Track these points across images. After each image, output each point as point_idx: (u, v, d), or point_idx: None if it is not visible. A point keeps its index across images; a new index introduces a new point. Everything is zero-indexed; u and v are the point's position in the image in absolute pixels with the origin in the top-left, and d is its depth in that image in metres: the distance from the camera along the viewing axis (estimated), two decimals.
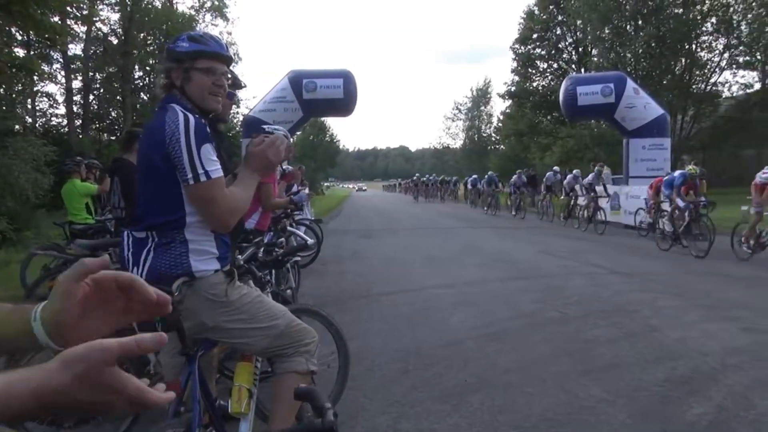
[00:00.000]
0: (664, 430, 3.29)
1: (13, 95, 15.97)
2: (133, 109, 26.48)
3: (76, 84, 26.21)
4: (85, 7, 17.09)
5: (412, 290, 7.51)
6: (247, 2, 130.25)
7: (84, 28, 23.19)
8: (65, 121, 25.80)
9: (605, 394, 3.80)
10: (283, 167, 7.42)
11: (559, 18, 40.97)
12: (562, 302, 6.58)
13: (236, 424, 2.42)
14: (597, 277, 8.22)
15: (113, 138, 26.78)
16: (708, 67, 33.34)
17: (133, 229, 2.21)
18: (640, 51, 32.35)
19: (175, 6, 29.55)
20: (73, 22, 18.59)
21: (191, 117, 2.12)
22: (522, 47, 42.77)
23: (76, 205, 7.61)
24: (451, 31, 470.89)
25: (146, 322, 2.04)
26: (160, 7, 28.27)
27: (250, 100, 27.94)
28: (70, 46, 23.58)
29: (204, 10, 30.69)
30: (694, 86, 33.26)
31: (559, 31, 42.08)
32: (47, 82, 24.19)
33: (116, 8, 26.67)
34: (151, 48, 27.55)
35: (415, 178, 49.45)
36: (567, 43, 42.43)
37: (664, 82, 32.33)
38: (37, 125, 24.04)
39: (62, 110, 26.21)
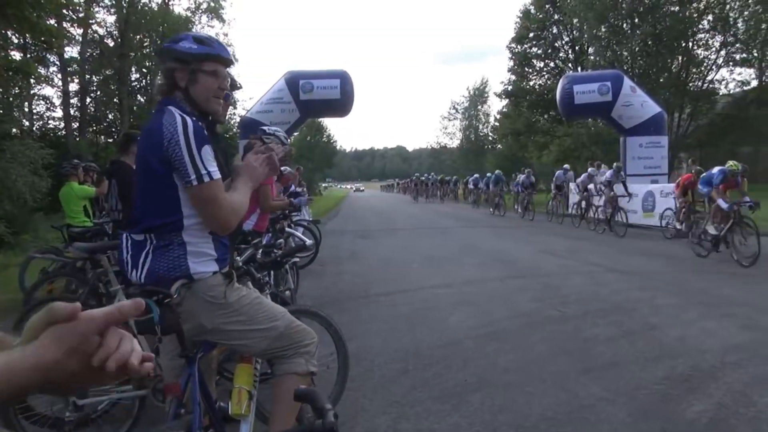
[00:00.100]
0: (664, 428, 3.29)
1: (10, 98, 15.94)
2: (130, 112, 26.46)
3: (73, 87, 26.25)
4: (81, 9, 17.06)
5: (411, 290, 7.51)
6: (243, 3, 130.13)
7: (80, 31, 23.14)
8: (62, 124, 25.81)
9: (605, 392, 3.80)
10: (281, 169, 7.41)
11: (556, 17, 40.97)
12: (561, 301, 6.58)
13: (236, 425, 2.42)
14: (596, 276, 8.23)
15: (110, 140, 26.77)
16: (705, 64, 33.39)
17: (132, 232, 2.20)
18: (637, 49, 32.39)
19: (171, 8, 29.54)
20: (69, 24, 18.51)
21: (188, 119, 2.11)
22: (518, 46, 42.76)
23: (74, 208, 7.59)
24: (447, 31, 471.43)
25: (145, 323, 2.05)
26: (156, 9, 28.24)
27: (246, 101, 28.00)
28: (67, 48, 23.61)
29: (200, 11, 30.72)
30: (690, 84, 33.31)
31: (555, 30, 42.08)
32: (44, 85, 24.23)
33: (112, 10, 26.67)
34: (148, 50, 27.52)
35: (414, 177, 48.67)
36: (563, 42, 42.43)
37: (661, 80, 32.37)
38: (34, 128, 24.01)
39: (59, 113, 26.23)
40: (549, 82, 40.15)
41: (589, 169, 16.82)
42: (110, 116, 28.96)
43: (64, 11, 14.32)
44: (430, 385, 4.05)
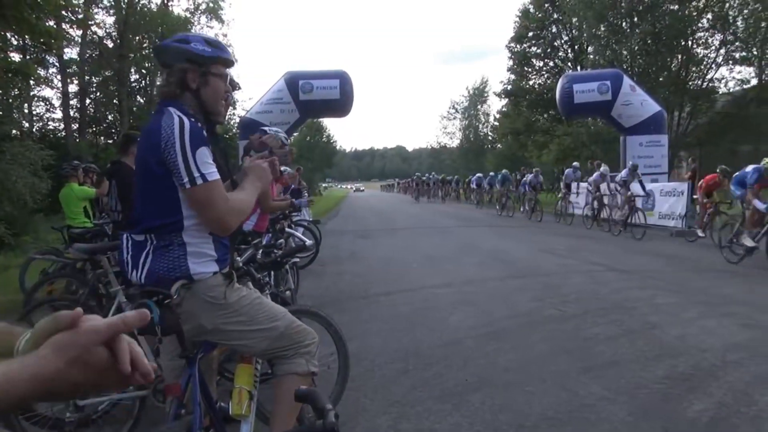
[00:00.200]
0: (664, 427, 3.29)
1: (10, 100, 15.95)
2: (129, 113, 26.46)
3: (73, 88, 26.23)
4: (80, 11, 17.05)
5: (411, 290, 7.51)
6: (243, 4, 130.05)
7: (79, 32, 23.16)
8: (62, 125, 25.80)
9: (605, 391, 3.80)
10: (281, 169, 7.41)
11: (555, 16, 40.98)
12: (560, 300, 6.58)
13: (237, 426, 2.42)
14: (595, 275, 8.23)
15: (110, 141, 26.77)
16: (704, 63, 33.37)
17: (132, 232, 2.20)
18: (636, 48, 32.37)
19: (170, 8, 29.53)
20: (68, 26, 18.52)
21: (186, 120, 2.10)
22: (518, 46, 42.78)
23: (74, 209, 7.59)
24: (446, 31, 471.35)
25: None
26: (155, 10, 28.23)
27: (246, 101, 27.99)
28: (66, 50, 23.59)
29: (199, 12, 30.69)
30: (690, 83, 33.29)
31: (554, 29, 42.10)
32: (43, 86, 24.19)
33: (111, 12, 26.67)
34: (147, 51, 27.51)
35: (415, 177, 47.96)
36: (563, 41, 42.45)
37: (661, 78, 32.34)
38: (34, 130, 24.01)
39: (59, 114, 26.23)
40: (548, 82, 40.16)
41: (602, 168, 15.92)
42: (110, 117, 28.96)
43: (64, 12, 14.29)
44: (431, 384, 4.05)
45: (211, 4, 30.39)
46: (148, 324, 2.04)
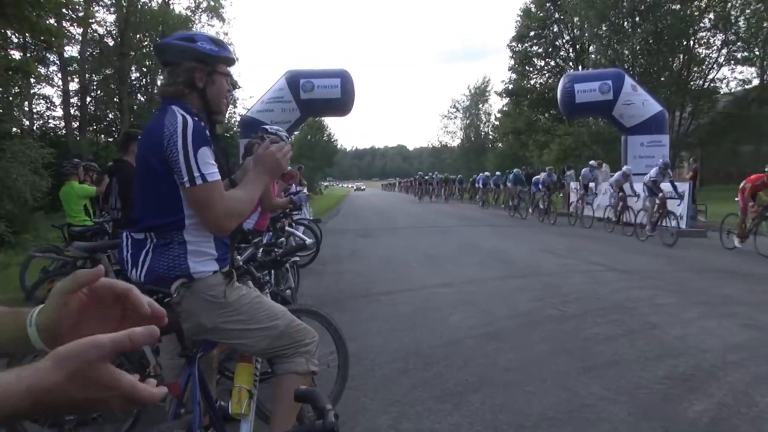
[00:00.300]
0: (665, 427, 3.29)
1: (10, 98, 15.94)
2: (130, 111, 26.47)
3: (73, 86, 26.24)
4: (80, 9, 17.03)
5: (411, 289, 7.50)
6: (244, 2, 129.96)
7: (80, 30, 23.13)
8: (62, 124, 25.82)
9: (606, 392, 3.80)
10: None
11: (556, 15, 41.02)
12: (561, 300, 6.58)
13: (237, 425, 2.42)
14: (596, 275, 8.22)
15: (111, 140, 26.76)
16: (706, 63, 33.40)
17: (132, 231, 2.20)
18: (638, 48, 32.40)
19: (171, 7, 29.53)
20: (68, 24, 18.48)
21: (189, 119, 2.10)
22: (519, 45, 42.83)
23: (75, 208, 7.60)
24: (448, 31, 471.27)
25: None
26: (156, 8, 28.23)
27: (247, 100, 27.99)
28: (67, 48, 23.60)
29: (200, 10, 30.70)
30: (692, 83, 33.33)
31: (556, 29, 42.14)
32: (44, 84, 24.22)
33: (112, 10, 26.66)
34: (148, 49, 27.52)
35: (417, 176, 46.62)
36: (564, 41, 42.48)
37: (662, 78, 32.37)
38: (34, 128, 24.00)
39: (59, 112, 26.23)
40: (550, 81, 40.20)
41: (624, 167, 15.03)
42: (110, 115, 28.96)
43: (64, 10, 14.30)
44: (431, 384, 4.04)
45: (212, 3, 30.42)
46: (157, 339, 2.04)
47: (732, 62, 32.87)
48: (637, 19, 32.87)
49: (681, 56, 33.24)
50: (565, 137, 36.11)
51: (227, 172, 2.30)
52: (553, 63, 42.83)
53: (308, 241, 6.27)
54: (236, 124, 26.09)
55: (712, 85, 33.55)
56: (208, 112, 2.23)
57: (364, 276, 8.67)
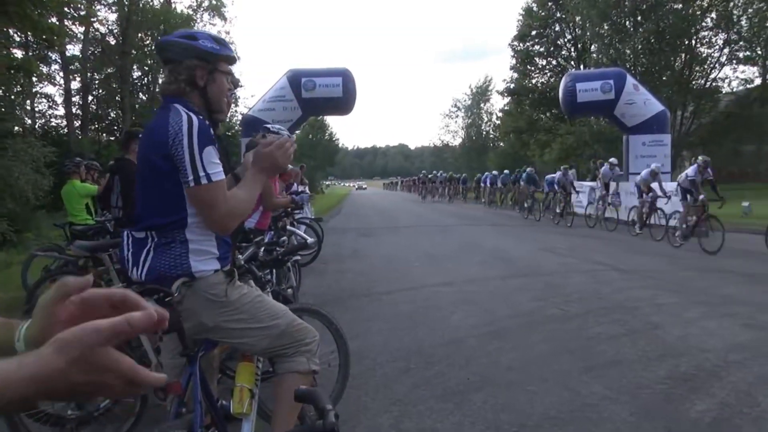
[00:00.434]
0: (667, 427, 3.28)
1: (12, 97, 15.95)
2: (131, 110, 26.45)
3: (75, 85, 26.20)
4: (82, 7, 17.04)
5: (413, 288, 7.50)
6: (245, 1, 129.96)
7: (82, 29, 23.09)
8: (64, 122, 25.81)
9: (608, 391, 3.79)
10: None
11: (558, 14, 40.99)
12: (562, 300, 6.57)
13: (238, 424, 2.41)
14: (597, 275, 8.22)
15: (112, 138, 26.77)
16: (708, 62, 33.36)
17: (133, 230, 2.19)
18: (640, 47, 32.36)
19: (172, 5, 29.53)
20: (70, 22, 18.51)
21: (195, 118, 2.09)
22: (521, 44, 42.80)
23: (76, 206, 7.60)
24: (449, 30, 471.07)
25: None
26: (158, 6, 28.23)
27: (248, 99, 27.96)
28: (68, 46, 23.54)
29: (202, 9, 30.69)
30: (693, 82, 33.30)
31: (557, 28, 42.11)
32: (46, 83, 24.20)
33: (114, 8, 26.65)
34: (149, 48, 27.52)
35: (421, 175, 45.46)
36: (566, 40, 42.45)
37: (664, 78, 32.35)
38: (36, 126, 24.01)
39: (61, 111, 26.21)
40: (551, 80, 40.18)
41: (653, 165, 13.56)
42: (112, 114, 28.95)
43: (66, 9, 14.31)
44: (432, 383, 4.04)
45: (213, 2, 30.38)
46: (154, 324, 2.04)
47: (734, 61, 32.87)
48: (639, 18, 32.83)
49: (683, 55, 33.21)
50: (566, 136, 36.11)
51: (228, 171, 2.30)
52: (554, 62, 42.80)
53: (310, 240, 6.28)
54: (238, 122, 26.10)
55: (714, 84, 33.53)
56: (209, 111, 2.23)
57: (366, 275, 8.66)
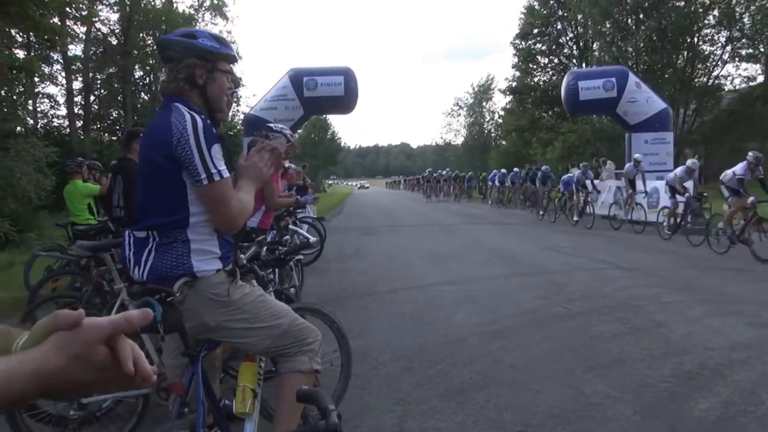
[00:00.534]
0: (671, 426, 3.27)
1: (14, 97, 15.99)
2: (133, 109, 26.50)
3: (77, 85, 26.26)
4: (84, 7, 17.05)
5: (415, 287, 7.49)
6: (247, 1, 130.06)
7: (83, 29, 23.15)
8: (66, 122, 25.85)
9: (611, 390, 3.78)
10: (286, 165, 7.40)
11: (560, 13, 40.91)
12: (566, 298, 6.55)
13: (241, 424, 2.41)
14: (601, 273, 8.20)
15: (114, 138, 26.83)
16: (710, 60, 33.26)
17: (134, 229, 2.19)
18: (642, 45, 32.31)
19: (174, 5, 29.56)
20: (72, 22, 18.52)
21: (198, 117, 2.09)
22: (523, 42, 42.73)
23: (78, 206, 7.60)
24: (451, 29, 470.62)
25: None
26: (159, 6, 28.26)
27: (250, 98, 28.03)
28: (70, 47, 23.60)
29: (203, 9, 30.73)
30: (696, 80, 33.19)
31: (559, 26, 42.03)
32: (48, 83, 24.30)
33: (115, 8, 26.69)
34: (151, 48, 27.55)
35: (426, 173, 43.64)
36: (568, 38, 42.38)
37: (666, 75, 32.27)
38: (38, 127, 24.08)
39: (63, 111, 26.29)
40: (553, 79, 40.11)
41: (689, 162, 12.33)
42: (114, 114, 29.04)
43: (68, 9, 14.32)
44: (435, 382, 4.03)
45: (215, 1, 30.43)
46: (151, 322, 2.04)
47: (736, 59, 32.77)
48: (641, 16, 32.77)
49: (685, 53, 33.11)
50: (568, 135, 36.03)
51: (231, 170, 2.30)
52: (556, 60, 42.73)
53: (312, 239, 6.28)
54: (240, 122, 26.13)
55: (716, 82, 33.43)
56: (210, 110, 2.22)
57: (368, 274, 8.66)
